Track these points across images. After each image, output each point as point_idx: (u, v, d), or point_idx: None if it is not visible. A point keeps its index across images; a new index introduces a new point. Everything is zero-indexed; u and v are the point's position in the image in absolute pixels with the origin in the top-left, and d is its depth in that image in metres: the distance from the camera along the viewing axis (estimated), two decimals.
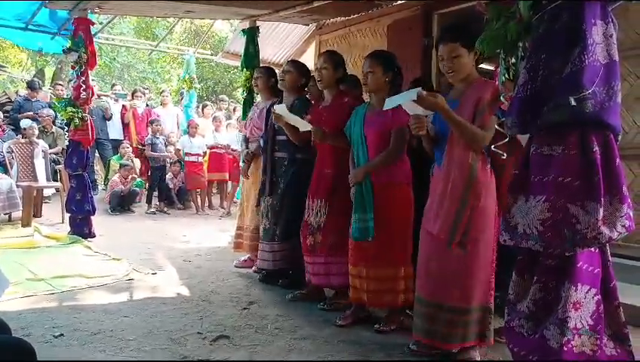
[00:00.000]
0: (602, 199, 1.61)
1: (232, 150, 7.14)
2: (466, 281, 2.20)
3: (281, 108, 3.11)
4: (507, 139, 2.02)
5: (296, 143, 3.27)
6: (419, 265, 2.38)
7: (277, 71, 4.02)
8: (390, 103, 2.27)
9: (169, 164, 7.35)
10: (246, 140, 4.07)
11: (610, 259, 1.78)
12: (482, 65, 2.37)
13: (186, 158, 7.21)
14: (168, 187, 7.19)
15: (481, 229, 2.19)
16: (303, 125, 3.03)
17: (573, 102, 1.59)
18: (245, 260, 4.06)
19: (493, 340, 2.31)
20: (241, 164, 4.30)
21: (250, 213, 3.95)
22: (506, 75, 1.90)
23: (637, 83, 3.39)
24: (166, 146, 7.87)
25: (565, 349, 1.67)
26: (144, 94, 8.82)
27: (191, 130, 7.35)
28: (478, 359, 2.28)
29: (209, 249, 4.74)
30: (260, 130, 3.83)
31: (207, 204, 7.38)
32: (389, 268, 2.65)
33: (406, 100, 2.18)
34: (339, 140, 2.92)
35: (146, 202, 7.01)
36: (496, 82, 2.11)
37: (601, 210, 1.61)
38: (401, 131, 2.61)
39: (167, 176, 7.22)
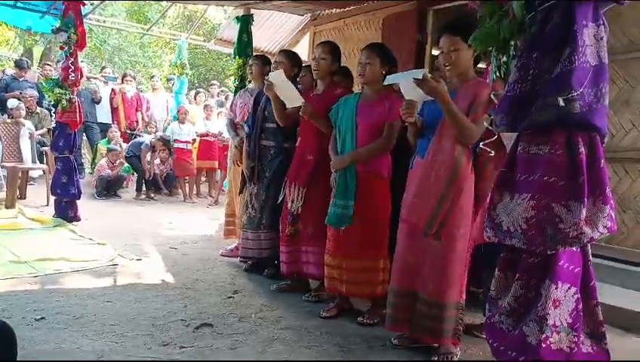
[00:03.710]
0: (586, 199, 1.64)
1: (224, 138, 7.08)
2: (443, 277, 2.22)
3: (276, 76, 3.03)
4: (495, 137, 2.04)
5: (280, 123, 3.24)
6: (396, 256, 2.40)
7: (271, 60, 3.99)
8: (392, 79, 2.28)
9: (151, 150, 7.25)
10: (233, 125, 4.03)
11: (591, 259, 1.81)
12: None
13: (175, 145, 7.15)
14: (155, 173, 7.13)
15: (457, 224, 2.21)
16: (295, 99, 2.98)
17: (561, 103, 1.61)
18: (232, 249, 4.05)
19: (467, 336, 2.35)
20: (230, 151, 4.26)
21: (240, 200, 3.93)
22: (497, 73, 1.91)
23: (626, 87, 3.43)
24: (156, 131, 7.81)
25: (543, 346, 1.70)
26: (134, 78, 8.71)
27: (180, 116, 7.29)
28: (458, 353, 2.31)
29: (195, 237, 4.72)
30: None
31: (195, 192, 7.34)
32: (369, 260, 2.66)
33: (408, 78, 2.17)
34: (325, 125, 2.91)
35: (136, 190, 6.95)
36: (488, 79, 2.13)
37: (584, 210, 1.63)
38: (395, 124, 2.61)
39: (155, 161, 7.16)
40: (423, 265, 2.27)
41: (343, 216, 2.65)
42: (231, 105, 4.28)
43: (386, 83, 2.35)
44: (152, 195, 6.94)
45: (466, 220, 2.23)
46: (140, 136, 7.86)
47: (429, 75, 2.14)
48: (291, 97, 3.01)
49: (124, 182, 7.04)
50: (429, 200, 2.24)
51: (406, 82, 2.19)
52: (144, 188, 6.97)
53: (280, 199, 3.15)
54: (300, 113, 2.97)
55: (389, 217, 2.65)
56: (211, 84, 9.43)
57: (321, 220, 2.81)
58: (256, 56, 4.22)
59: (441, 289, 2.22)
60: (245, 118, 3.91)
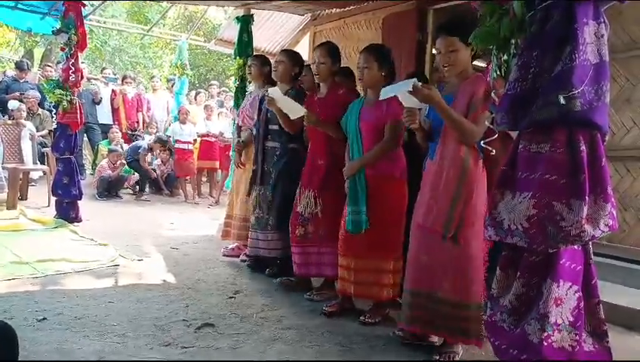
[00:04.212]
0: (587, 198, 1.64)
1: (225, 138, 7.08)
2: (462, 275, 2.20)
3: (274, 91, 3.07)
4: (496, 135, 2.04)
5: (288, 131, 3.26)
6: (409, 258, 2.39)
7: (271, 60, 4.00)
8: (386, 93, 2.28)
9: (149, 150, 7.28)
10: (238, 129, 4.05)
11: (592, 257, 1.81)
12: (474, 62, 2.37)
13: (176, 145, 7.16)
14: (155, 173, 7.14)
15: (471, 223, 2.21)
16: (297, 110, 3.00)
17: (562, 101, 1.61)
18: (233, 248, 4.06)
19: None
20: (231, 153, 4.29)
21: (240, 202, 3.94)
22: (498, 72, 1.91)
23: (627, 85, 3.43)
24: (156, 132, 7.82)
25: (545, 344, 1.70)
26: (134, 80, 8.71)
27: (181, 116, 7.30)
28: (460, 352, 2.31)
29: (197, 237, 4.72)
30: (252, 119, 3.81)
31: (196, 192, 7.34)
32: (378, 261, 2.66)
33: (401, 90, 2.18)
34: (331, 129, 2.92)
35: (139, 190, 6.96)
36: (488, 78, 2.12)
37: (586, 208, 1.63)
38: (395, 124, 2.61)
39: (156, 161, 7.17)
40: (438, 266, 2.26)
41: (359, 222, 2.65)
42: (239, 111, 4.29)
43: (381, 98, 2.35)
44: (146, 198, 6.89)
45: (479, 219, 2.21)
46: (140, 136, 7.86)
47: (420, 85, 2.13)
48: (293, 109, 3.03)
49: (125, 183, 7.05)
50: (442, 203, 2.23)
51: (401, 92, 2.20)
52: (147, 190, 6.99)
53: (299, 208, 3.08)
54: (305, 123, 2.98)
55: (404, 218, 2.63)
56: (211, 85, 9.43)
57: (332, 222, 2.83)
58: (255, 56, 4.23)
59: (463, 289, 2.20)
60: (245, 121, 3.92)
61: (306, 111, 2.95)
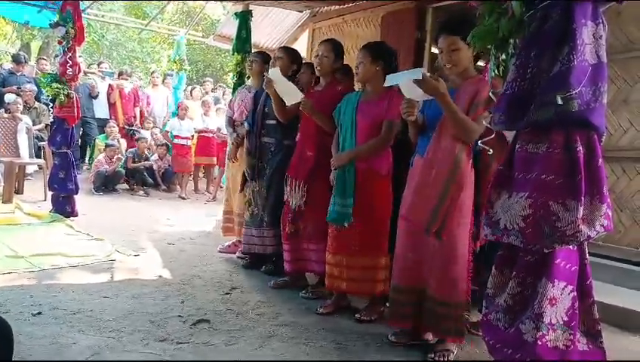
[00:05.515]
0: (583, 198, 1.64)
1: (223, 134, 7.08)
2: (447, 275, 2.22)
3: (274, 73, 3.06)
4: (493, 135, 2.04)
5: (280, 118, 3.26)
6: (396, 253, 2.41)
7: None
8: (391, 80, 2.27)
9: (155, 146, 7.29)
10: (231, 122, 4.03)
11: (587, 257, 1.81)
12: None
13: (175, 141, 7.14)
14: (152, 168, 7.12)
15: (457, 222, 2.22)
16: (294, 95, 2.99)
17: (559, 101, 1.61)
18: (229, 245, 4.06)
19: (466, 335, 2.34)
20: (228, 148, 4.27)
21: (238, 197, 3.93)
22: (496, 71, 1.91)
23: (625, 86, 3.44)
24: (153, 128, 7.79)
25: (539, 343, 1.71)
26: (130, 75, 8.68)
27: (180, 112, 7.28)
28: (455, 351, 2.32)
29: (193, 233, 4.72)
30: (246, 114, 3.79)
31: (193, 188, 7.33)
32: (370, 258, 2.67)
33: (408, 79, 2.17)
34: (324, 120, 2.93)
35: (135, 183, 6.94)
36: (486, 78, 2.13)
37: (581, 209, 1.64)
38: (393, 122, 2.62)
39: (152, 157, 7.15)
40: (424, 262, 2.28)
41: (343, 215, 2.66)
42: (230, 103, 4.28)
43: (385, 85, 2.35)
44: (143, 193, 6.87)
45: (465, 218, 2.23)
46: (138, 132, 7.84)
47: (428, 75, 2.13)
48: (290, 93, 3.02)
49: (122, 178, 7.04)
50: (429, 198, 2.23)
51: (405, 82, 2.19)
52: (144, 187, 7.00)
53: (286, 197, 3.13)
54: (300, 108, 2.98)
55: (390, 215, 2.65)
56: (205, 81, 9.38)
57: (321, 217, 2.82)
58: (257, 52, 4.22)
59: (446, 287, 2.22)
60: (242, 115, 3.90)
61: (303, 96, 2.95)
